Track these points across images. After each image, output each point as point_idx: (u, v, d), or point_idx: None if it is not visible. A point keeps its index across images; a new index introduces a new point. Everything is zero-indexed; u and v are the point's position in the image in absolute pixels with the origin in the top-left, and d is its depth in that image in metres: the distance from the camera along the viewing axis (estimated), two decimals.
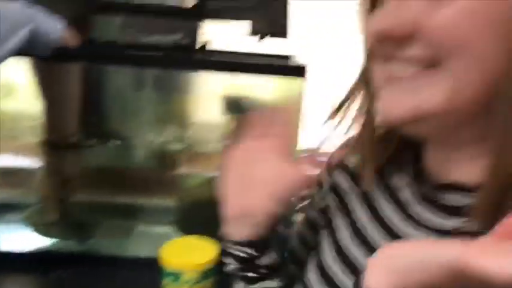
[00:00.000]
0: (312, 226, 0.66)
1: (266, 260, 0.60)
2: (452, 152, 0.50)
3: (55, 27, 0.99)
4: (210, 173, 1.35)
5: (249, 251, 0.59)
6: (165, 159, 1.37)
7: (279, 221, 0.57)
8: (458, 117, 0.45)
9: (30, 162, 1.28)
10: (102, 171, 1.30)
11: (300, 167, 0.56)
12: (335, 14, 1.72)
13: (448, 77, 0.43)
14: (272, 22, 1.29)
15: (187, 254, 0.89)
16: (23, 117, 1.28)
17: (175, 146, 1.34)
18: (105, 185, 1.28)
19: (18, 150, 1.30)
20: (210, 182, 1.35)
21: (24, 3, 0.96)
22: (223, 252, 0.62)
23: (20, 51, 0.93)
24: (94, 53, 1.06)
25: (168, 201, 1.32)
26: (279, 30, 1.29)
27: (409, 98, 0.45)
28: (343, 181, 0.62)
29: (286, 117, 0.61)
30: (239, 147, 0.58)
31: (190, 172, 1.37)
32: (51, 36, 0.97)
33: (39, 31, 0.95)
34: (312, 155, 0.63)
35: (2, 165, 1.30)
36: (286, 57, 1.31)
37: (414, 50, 0.44)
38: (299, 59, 1.26)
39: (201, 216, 1.28)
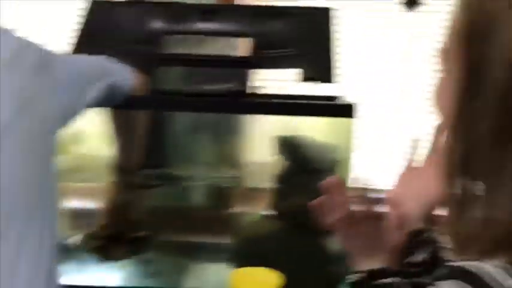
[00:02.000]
0: None
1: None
2: None
3: (128, 79, 1.07)
4: (262, 210, 1.42)
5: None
6: (221, 199, 1.45)
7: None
8: None
9: (97, 204, 1.37)
10: (164, 210, 1.39)
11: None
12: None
13: None
14: (319, 68, 1.37)
15: (253, 282, 0.95)
16: (90, 163, 1.38)
17: (230, 186, 1.42)
18: (167, 224, 1.36)
19: (85, 193, 1.40)
20: (263, 219, 1.42)
21: (102, 57, 1.05)
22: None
23: (96, 104, 0.99)
24: (161, 101, 1.16)
25: (225, 239, 1.39)
26: (325, 76, 1.37)
27: None
28: None
29: None
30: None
31: (245, 210, 1.45)
32: (125, 88, 1.05)
33: (115, 84, 1.02)
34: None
35: (71, 207, 1.39)
36: (333, 98, 1.39)
37: None
38: (348, 99, 1.33)
39: (257, 251, 1.35)
